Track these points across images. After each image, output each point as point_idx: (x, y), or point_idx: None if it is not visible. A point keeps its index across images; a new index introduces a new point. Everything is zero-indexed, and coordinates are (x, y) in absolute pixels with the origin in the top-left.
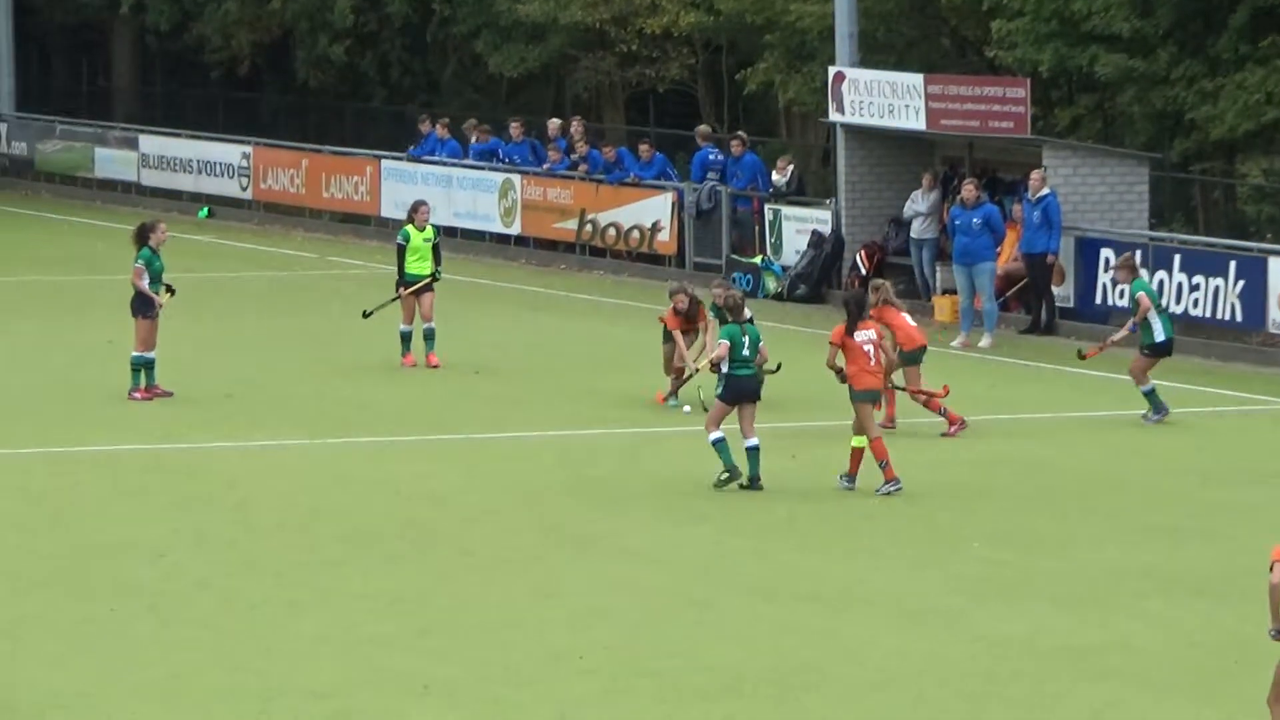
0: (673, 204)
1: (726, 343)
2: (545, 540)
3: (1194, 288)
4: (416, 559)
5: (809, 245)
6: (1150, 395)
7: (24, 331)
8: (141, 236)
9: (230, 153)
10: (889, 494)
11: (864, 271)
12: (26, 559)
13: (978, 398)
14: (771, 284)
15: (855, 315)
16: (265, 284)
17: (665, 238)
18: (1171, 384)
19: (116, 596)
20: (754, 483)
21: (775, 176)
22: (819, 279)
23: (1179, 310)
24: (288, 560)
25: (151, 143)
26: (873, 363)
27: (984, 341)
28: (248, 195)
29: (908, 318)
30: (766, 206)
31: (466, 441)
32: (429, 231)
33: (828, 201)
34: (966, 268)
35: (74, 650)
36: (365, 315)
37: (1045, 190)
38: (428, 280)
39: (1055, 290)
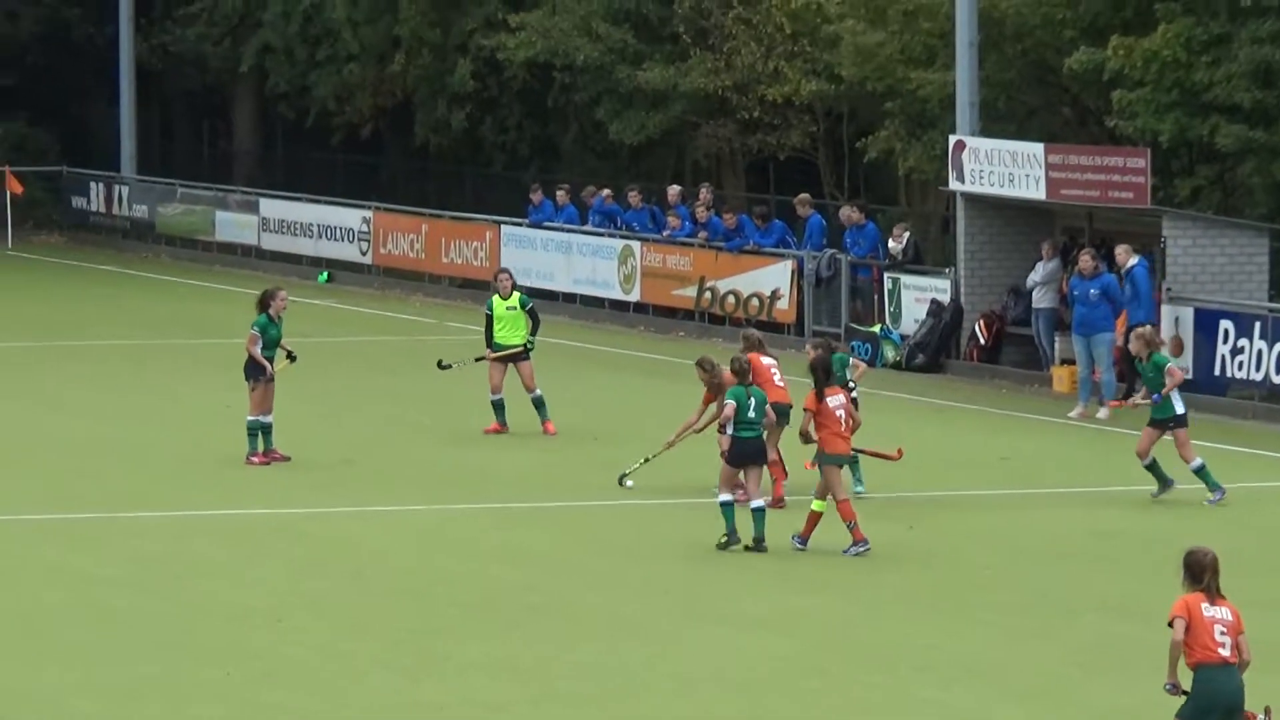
0: (792, 271)
1: (733, 403)
2: (661, 607)
3: None
4: (533, 625)
5: (928, 314)
6: (1153, 468)
7: (143, 395)
8: (263, 304)
9: (350, 217)
10: (858, 554)
11: (982, 341)
12: (144, 622)
13: (1095, 468)
14: (890, 353)
15: (823, 380)
16: (385, 349)
17: (784, 305)
18: None
19: (233, 661)
20: (758, 544)
21: (891, 244)
22: (938, 348)
23: None
24: (404, 626)
25: (272, 206)
26: (843, 427)
27: (1101, 413)
28: (368, 260)
29: (776, 374)
30: (886, 275)
31: (584, 508)
32: (514, 299)
33: (947, 270)
34: (1085, 338)
35: (190, 714)
36: (441, 366)
37: (1132, 261)
38: (518, 350)
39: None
